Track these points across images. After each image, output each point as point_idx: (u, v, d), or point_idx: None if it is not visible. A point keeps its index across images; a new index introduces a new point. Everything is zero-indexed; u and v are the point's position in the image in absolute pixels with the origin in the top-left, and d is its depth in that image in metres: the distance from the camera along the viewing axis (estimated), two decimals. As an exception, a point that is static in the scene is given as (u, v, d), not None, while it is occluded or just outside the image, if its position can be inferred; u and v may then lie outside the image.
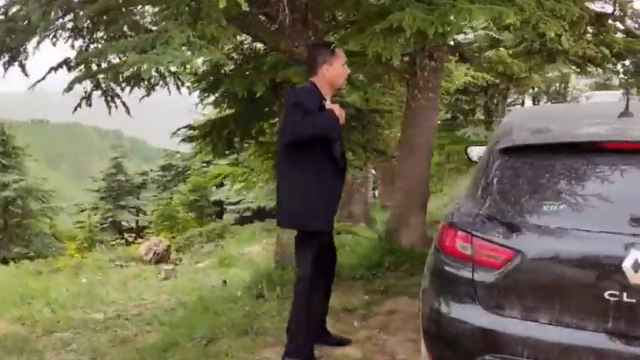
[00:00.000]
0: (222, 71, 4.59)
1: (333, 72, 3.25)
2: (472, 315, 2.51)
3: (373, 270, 5.12)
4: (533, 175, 2.56)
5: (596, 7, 4.54)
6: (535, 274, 2.36)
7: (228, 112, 5.67)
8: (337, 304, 4.46)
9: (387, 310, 4.32)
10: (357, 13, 4.55)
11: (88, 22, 5.06)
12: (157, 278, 9.06)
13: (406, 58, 5.17)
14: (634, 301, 2.17)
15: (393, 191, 5.80)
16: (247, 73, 4.05)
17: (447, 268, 2.64)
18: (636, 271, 2.15)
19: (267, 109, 5.45)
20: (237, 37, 4.73)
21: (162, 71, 4.11)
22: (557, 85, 26.95)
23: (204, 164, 25.02)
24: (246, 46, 5.30)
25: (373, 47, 3.84)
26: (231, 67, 4.63)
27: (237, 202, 22.63)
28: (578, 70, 4.94)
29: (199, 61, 3.20)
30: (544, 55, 4.83)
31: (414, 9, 3.80)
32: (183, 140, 6.49)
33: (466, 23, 3.65)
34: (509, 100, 22.41)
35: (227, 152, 5.98)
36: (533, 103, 38.63)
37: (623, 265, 2.17)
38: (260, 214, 21.57)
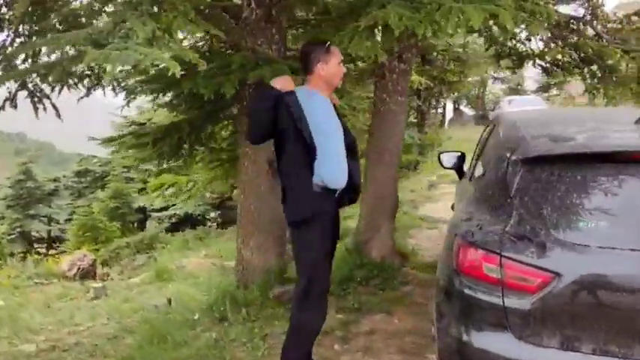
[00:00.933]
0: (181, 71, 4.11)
1: (329, 71, 2.99)
2: (504, 345, 2.25)
3: (343, 285, 4.79)
4: (564, 188, 2.33)
5: (568, 10, 4.48)
6: (576, 298, 2.14)
7: (178, 115, 5.17)
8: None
9: (367, 331, 4.02)
10: (327, 10, 4.22)
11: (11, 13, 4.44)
12: (85, 298, 8.29)
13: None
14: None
15: (361, 199, 5.49)
16: (212, 73, 3.59)
17: (470, 292, 2.37)
18: (693, 294, 1.97)
19: (225, 112, 5.00)
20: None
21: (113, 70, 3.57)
22: (477, 89, 28.04)
23: (125, 170, 23.80)
24: (201, 43, 4.86)
25: (355, 46, 3.53)
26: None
27: (162, 209, 21.61)
28: (544, 73, 4.86)
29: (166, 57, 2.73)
30: (513, 58, 4.73)
31: (396, 7, 3.53)
32: (113, 146, 5.86)
33: (457, 23, 3.39)
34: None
35: (172, 159, 5.47)
36: (455, 108, 40.01)
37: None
38: (187, 221, 20.73)
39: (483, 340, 2.31)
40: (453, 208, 5.69)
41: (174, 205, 18.01)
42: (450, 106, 31.02)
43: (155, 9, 3.09)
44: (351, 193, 3.09)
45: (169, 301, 6.37)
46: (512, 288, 2.25)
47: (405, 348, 3.82)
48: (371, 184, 5.18)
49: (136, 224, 22.86)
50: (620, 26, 4.50)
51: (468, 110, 41.26)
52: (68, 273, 10.32)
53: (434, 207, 7.81)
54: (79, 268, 10.35)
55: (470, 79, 20.71)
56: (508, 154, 2.60)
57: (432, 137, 16.58)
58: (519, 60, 4.73)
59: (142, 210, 22.71)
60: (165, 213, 21.53)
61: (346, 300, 4.58)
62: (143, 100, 6.34)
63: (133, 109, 16.63)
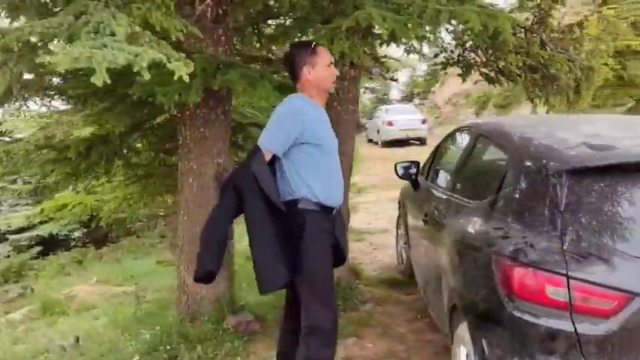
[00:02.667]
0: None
1: (317, 74, 2.68)
2: (578, 379, 2.05)
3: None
4: (620, 199, 2.19)
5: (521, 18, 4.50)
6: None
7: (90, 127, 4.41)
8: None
9: (343, 358, 3.67)
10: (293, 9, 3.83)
11: None
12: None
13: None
14: None
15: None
16: (166, 79, 3.03)
17: (530, 319, 2.13)
18: None
19: (151, 122, 4.35)
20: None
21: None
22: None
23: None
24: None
25: (336, 48, 3.20)
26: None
27: (21, 230, 19.28)
28: (488, 82, 4.86)
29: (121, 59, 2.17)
30: (462, 66, 4.67)
31: (375, 7, 3.27)
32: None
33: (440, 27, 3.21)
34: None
35: (87, 176, 4.68)
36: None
37: None
38: (52, 243, 18.69)
39: (551, 371, 2.09)
40: (399, 218, 5.55)
41: (34, 225, 16.13)
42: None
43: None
44: None
45: (77, 339, 5.51)
46: (585, 313, 2.05)
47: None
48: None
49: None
50: (561, 36, 4.62)
51: (341, 119, 42.50)
52: None
53: (355, 217, 7.65)
54: None
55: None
56: (540, 166, 2.42)
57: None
58: (467, 68, 4.69)
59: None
60: (25, 234, 19.28)
61: (308, 326, 4.19)
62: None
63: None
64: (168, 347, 3.87)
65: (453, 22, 3.33)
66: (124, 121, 3.48)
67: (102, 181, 5.76)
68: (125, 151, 4.71)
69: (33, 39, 2.28)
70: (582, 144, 2.48)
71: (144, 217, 15.84)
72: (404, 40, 3.91)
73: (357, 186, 11.44)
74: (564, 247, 2.13)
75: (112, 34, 2.23)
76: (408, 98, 40.04)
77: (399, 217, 5.54)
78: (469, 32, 3.28)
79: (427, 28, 3.26)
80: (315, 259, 2.72)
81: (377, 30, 3.28)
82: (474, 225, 2.77)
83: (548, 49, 4.48)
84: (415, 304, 4.65)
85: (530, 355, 2.12)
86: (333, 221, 2.85)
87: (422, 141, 20.59)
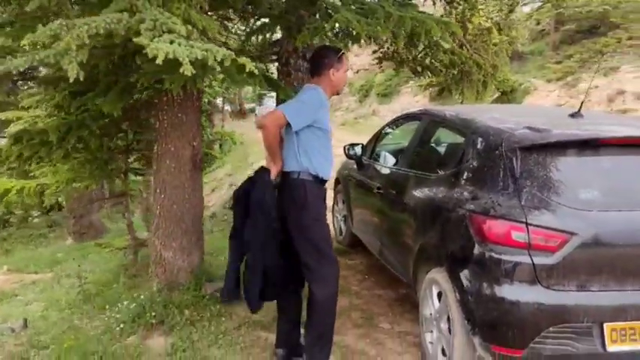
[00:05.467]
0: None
1: (338, 78, 3.28)
2: (535, 295, 2.82)
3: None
4: (559, 168, 3.00)
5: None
6: (587, 249, 2.80)
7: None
8: (257, 317, 4.19)
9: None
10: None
11: None
12: None
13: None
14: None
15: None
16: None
17: (500, 256, 2.88)
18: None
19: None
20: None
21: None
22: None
23: None
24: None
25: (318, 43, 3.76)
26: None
27: None
28: (414, 75, 5.66)
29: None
30: (395, 61, 5.41)
31: (348, 12, 3.86)
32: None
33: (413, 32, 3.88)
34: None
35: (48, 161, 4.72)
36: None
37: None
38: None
39: (516, 293, 2.84)
40: (336, 195, 6.21)
41: None
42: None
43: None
44: None
45: (25, 321, 5.56)
46: (539, 249, 2.83)
47: (356, 322, 4.19)
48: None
49: None
50: (475, 39, 5.52)
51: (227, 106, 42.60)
52: None
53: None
54: None
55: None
56: (497, 144, 3.18)
57: (222, 132, 16.96)
58: (399, 63, 5.44)
59: None
60: None
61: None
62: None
63: None
64: (153, 314, 4.20)
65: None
66: (116, 106, 3.72)
67: (41, 165, 5.78)
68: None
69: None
70: (524, 127, 3.27)
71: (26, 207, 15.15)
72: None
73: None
74: (522, 203, 2.90)
75: (170, 32, 2.62)
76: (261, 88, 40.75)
77: (335, 194, 6.20)
78: (422, 36, 3.96)
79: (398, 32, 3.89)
80: (316, 221, 3.29)
81: (353, 31, 3.83)
82: (441, 192, 3.49)
83: (465, 49, 5.36)
84: (359, 267, 5.37)
85: (500, 281, 2.87)
86: (324, 191, 3.43)
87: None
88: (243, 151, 16.01)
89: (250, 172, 10.61)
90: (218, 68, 2.51)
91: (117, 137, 6.01)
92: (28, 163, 4.46)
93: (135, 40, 2.40)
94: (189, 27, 2.70)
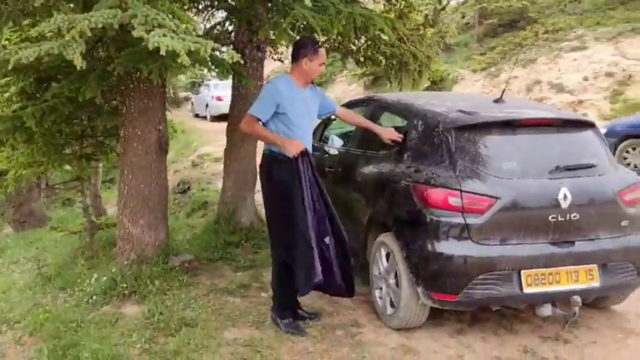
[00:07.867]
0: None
1: (310, 67, 3.66)
2: (468, 249, 3.43)
3: (226, 249, 5.33)
4: (486, 144, 3.61)
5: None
6: (508, 211, 3.43)
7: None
8: (222, 285, 4.61)
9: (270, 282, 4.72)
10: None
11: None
12: None
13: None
14: (564, 219, 3.49)
15: (225, 173, 5.97)
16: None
17: (439, 219, 3.46)
18: (565, 201, 3.46)
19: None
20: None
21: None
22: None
23: None
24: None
25: (279, 40, 4.21)
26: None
27: None
28: (357, 65, 6.20)
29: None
30: (342, 52, 5.92)
31: (304, 9, 4.30)
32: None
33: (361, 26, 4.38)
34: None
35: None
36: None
37: (558, 198, 3.45)
38: None
39: (452, 248, 3.44)
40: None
41: None
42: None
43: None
44: None
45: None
46: (471, 211, 3.43)
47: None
48: (234, 160, 5.78)
49: None
50: (412, 32, 6.12)
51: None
52: None
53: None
54: None
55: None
56: (435, 125, 3.76)
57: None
58: (345, 54, 5.96)
59: None
60: None
61: (236, 261, 5.16)
62: None
63: None
64: (125, 285, 4.54)
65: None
66: (95, 91, 4.02)
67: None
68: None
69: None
70: (457, 111, 3.86)
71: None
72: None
73: (212, 156, 12.23)
74: (457, 174, 3.49)
75: (160, 27, 3.00)
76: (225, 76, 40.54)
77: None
78: (370, 30, 4.48)
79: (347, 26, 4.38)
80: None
81: (311, 25, 4.26)
82: (388, 168, 4.04)
83: (403, 42, 5.95)
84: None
85: (439, 239, 3.45)
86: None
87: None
88: (185, 138, 16.11)
89: (194, 158, 10.82)
90: (187, 60, 2.87)
91: (72, 123, 6.20)
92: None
93: (134, 34, 2.76)
94: (177, 22, 3.08)
